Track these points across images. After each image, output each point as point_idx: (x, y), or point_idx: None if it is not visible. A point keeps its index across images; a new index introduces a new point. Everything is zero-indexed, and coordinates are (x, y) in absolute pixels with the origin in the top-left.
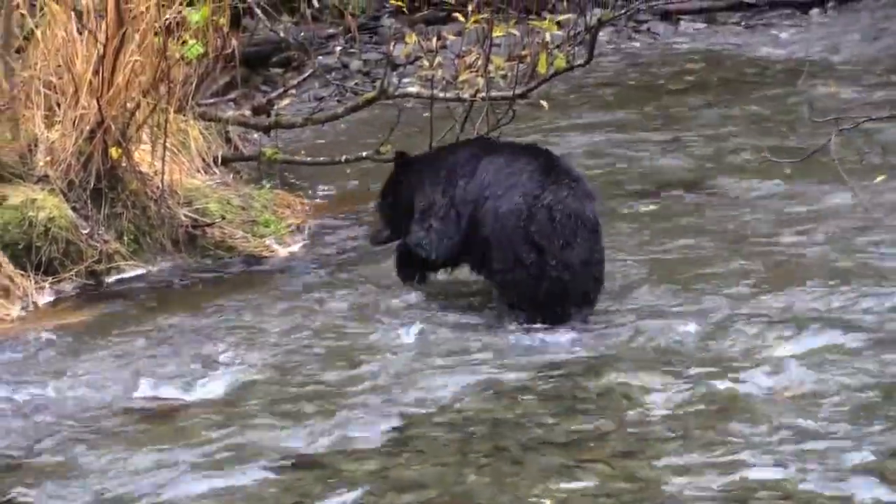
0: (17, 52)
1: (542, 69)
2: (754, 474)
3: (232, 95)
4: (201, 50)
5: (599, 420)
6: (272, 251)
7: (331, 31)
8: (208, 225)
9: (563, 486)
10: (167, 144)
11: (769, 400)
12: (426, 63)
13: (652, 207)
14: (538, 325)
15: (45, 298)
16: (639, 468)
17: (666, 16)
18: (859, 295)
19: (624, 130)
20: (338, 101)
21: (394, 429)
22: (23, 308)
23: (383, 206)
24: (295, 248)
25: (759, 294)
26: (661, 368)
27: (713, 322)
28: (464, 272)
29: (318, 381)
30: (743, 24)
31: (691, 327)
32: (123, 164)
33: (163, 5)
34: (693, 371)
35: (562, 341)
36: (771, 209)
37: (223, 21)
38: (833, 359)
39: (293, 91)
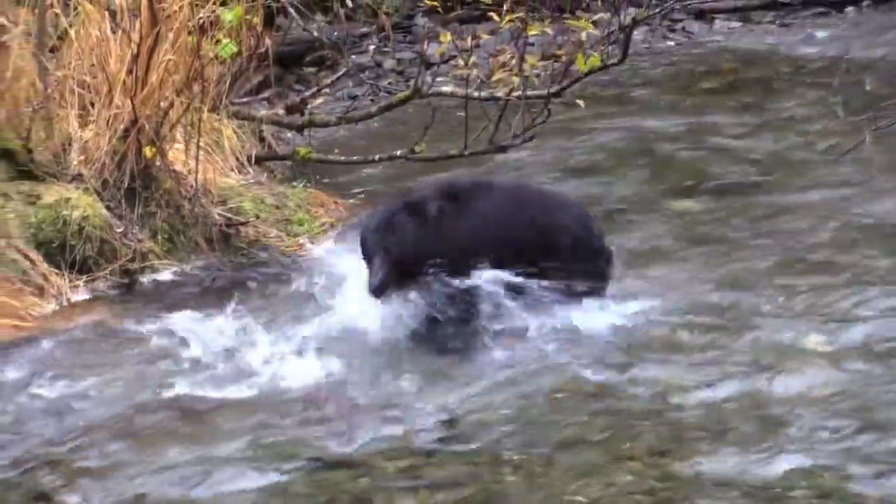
0: (51, 51)
1: (581, 67)
2: (790, 472)
3: (265, 94)
4: (235, 49)
5: (633, 418)
6: (306, 250)
7: (364, 30)
8: (242, 224)
9: (597, 484)
10: (201, 143)
11: (805, 397)
12: (460, 62)
13: (689, 205)
14: (569, 325)
15: (79, 297)
16: (673, 466)
17: (700, 15)
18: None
19: (659, 129)
20: (371, 100)
21: (427, 427)
22: (57, 306)
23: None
24: (328, 246)
25: (794, 291)
26: (695, 366)
27: (748, 319)
28: None
29: (349, 379)
30: (777, 22)
31: (726, 325)
32: (157, 163)
33: (196, 4)
34: (728, 369)
35: (594, 339)
36: (807, 207)
37: (256, 20)
38: (869, 356)
39: (327, 90)
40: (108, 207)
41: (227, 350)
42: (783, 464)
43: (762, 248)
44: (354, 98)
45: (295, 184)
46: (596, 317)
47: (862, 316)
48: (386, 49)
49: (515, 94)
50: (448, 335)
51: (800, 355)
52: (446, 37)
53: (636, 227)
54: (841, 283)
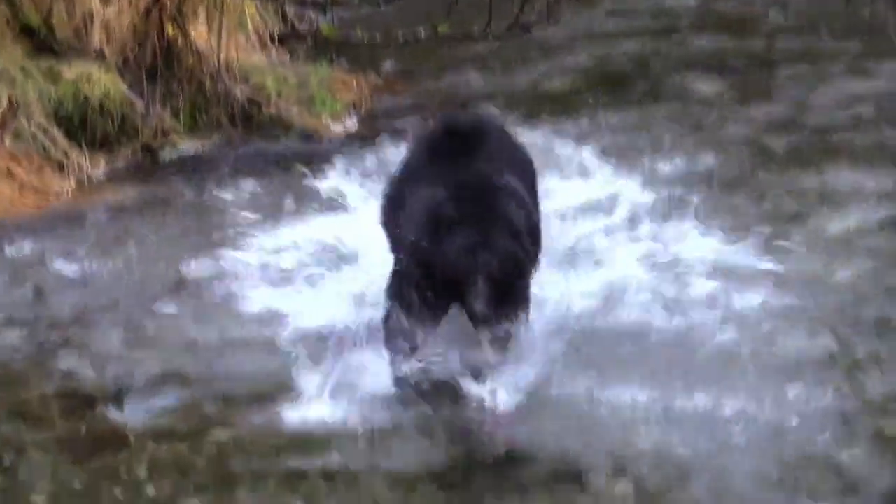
0: None
1: None
2: (813, 343)
3: None
4: None
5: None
6: (328, 129)
7: None
8: (264, 102)
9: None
10: (223, 21)
11: (822, 277)
12: None
13: (711, 85)
14: None
15: (99, 174)
16: (694, 340)
17: None
18: None
19: (684, 7)
20: None
21: None
22: (77, 183)
23: None
24: (350, 126)
25: (811, 171)
26: (708, 237)
27: (761, 197)
28: None
29: (370, 256)
30: None
31: (739, 202)
32: (179, 42)
33: None
34: (741, 245)
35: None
36: (832, 90)
37: None
38: (884, 236)
39: None
40: (129, 85)
41: (248, 229)
42: (806, 338)
43: (782, 126)
44: None
45: (318, 63)
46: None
47: (876, 195)
48: None
49: None
50: None
51: (813, 234)
52: None
53: (658, 105)
54: (857, 163)
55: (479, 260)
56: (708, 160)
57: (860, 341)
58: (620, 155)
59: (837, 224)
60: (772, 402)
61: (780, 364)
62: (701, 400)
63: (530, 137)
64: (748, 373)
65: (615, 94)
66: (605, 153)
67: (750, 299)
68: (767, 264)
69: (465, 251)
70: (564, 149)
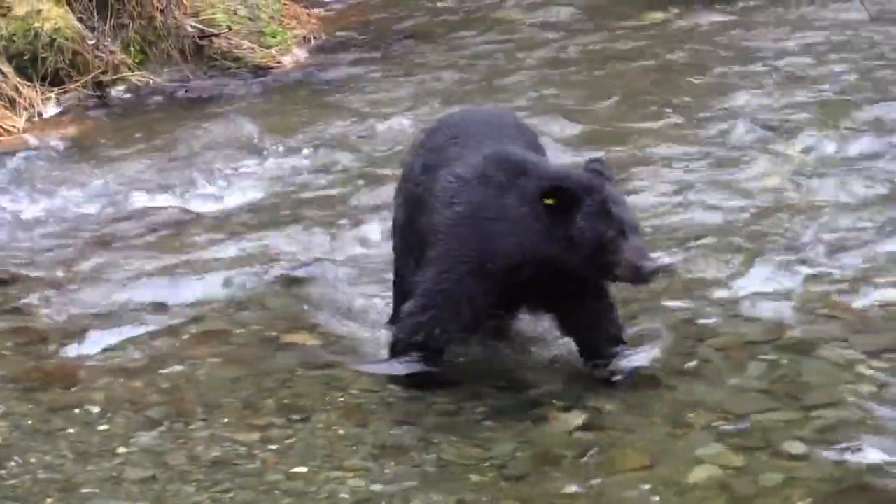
0: None
1: None
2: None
3: None
4: None
5: None
6: (278, 62)
7: None
8: (215, 35)
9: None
10: None
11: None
12: None
13: (660, 15)
14: None
15: (50, 109)
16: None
17: None
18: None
19: None
20: None
21: None
22: (28, 119)
23: None
24: (301, 58)
25: (765, 99)
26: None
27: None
28: None
29: (322, 193)
30: None
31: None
32: None
33: None
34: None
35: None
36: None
37: None
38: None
39: None
40: (79, 19)
41: (198, 164)
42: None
43: (728, 60)
44: None
45: None
46: None
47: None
48: None
49: None
50: None
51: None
52: None
53: (609, 35)
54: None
55: None
56: None
57: None
58: None
59: None
60: None
61: None
62: None
63: None
64: None
65: None
66: None
67: None
68: None
69: None
70: None
